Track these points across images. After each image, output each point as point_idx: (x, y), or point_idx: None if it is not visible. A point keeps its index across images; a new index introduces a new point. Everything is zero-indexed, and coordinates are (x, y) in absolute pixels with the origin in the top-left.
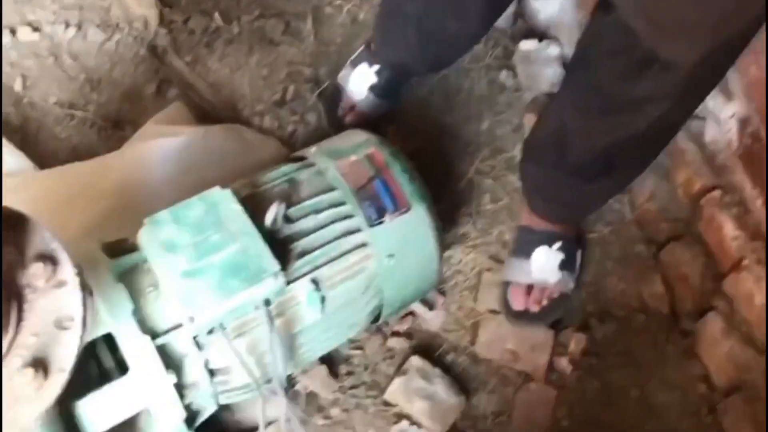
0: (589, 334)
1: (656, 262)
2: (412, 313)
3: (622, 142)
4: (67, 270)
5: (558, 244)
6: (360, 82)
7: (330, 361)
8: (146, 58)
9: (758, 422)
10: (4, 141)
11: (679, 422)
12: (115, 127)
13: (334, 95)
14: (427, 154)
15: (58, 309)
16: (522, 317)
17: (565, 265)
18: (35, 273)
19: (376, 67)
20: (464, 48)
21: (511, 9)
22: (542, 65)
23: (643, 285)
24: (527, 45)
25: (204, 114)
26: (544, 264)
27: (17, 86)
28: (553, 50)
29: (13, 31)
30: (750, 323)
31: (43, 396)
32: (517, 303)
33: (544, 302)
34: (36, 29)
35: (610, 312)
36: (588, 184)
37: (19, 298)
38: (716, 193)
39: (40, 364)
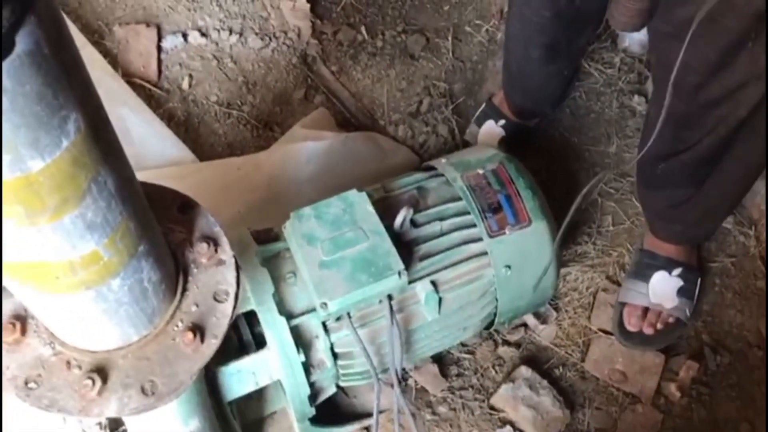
0: (702, 363)
1: None
2: (524, 325)
3: (726, 136)
4: (226, 251)
5: (678, 271)
6: (488, 140)
7: (441, 361)
8: (297, 65)
9: None
10: (171, 133)
11: None
12: (266, 126)
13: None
14: (553, 173)
15: (216, 284)
16: (634, 338)
17: (683, 292)
18: (200, 251)
19: (502, 121)
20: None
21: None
22: None
23: (763, 320)
24: None
25: (345, 120)
26: (663, 289)
27: (185, 84)
28: None
29: (185, 36)
30: None
31: (199, 357)
32: (632, 324)
33: (659, 326)
34: (204, 34)
35: (725, 344)
36: (703, 192)
37: (185, 272)
38: None
39: (198, 329)
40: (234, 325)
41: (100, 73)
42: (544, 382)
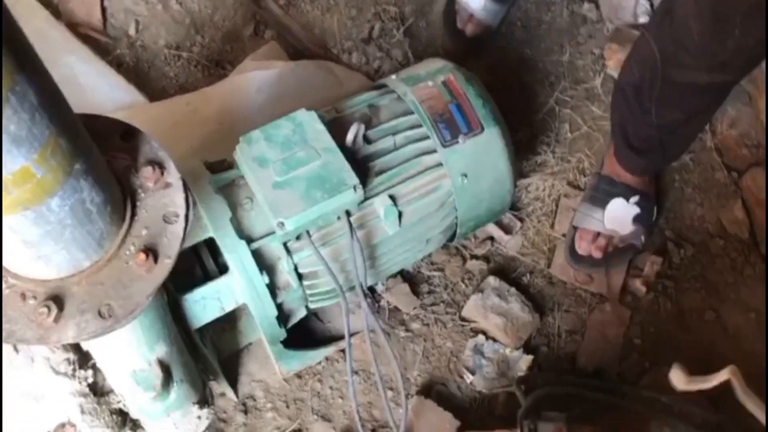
0: (666, 257)
1: (736, 188)
2: (491, 238)
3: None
4: (172, 173)
5: (636, 198)
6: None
7: (412, 280)
8: (244, 2)
9: None
10: (122, 79)
11: (754, 344)
12: (217, 65)
13: (449, 11)
14: (508, 86)
15: (165, 206)
16: (583, 262)
17: (639, 220)
18: (146, 175)
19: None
20: None
21: None
22: None
23: (723, 211)
24: None
25: (297, 53)
26: (619, 215)
27: (131, 30)
28: None
29: None
30: None
31: (153, 277)
32: (582, 248)
33: (609, 249)
34: None
35: (687, 237)
36: (674, 129)
37: (132, 197)
38: None
39: (151, 251)
40: (197, 256)
41: (43, 24)
42: (512, 290)
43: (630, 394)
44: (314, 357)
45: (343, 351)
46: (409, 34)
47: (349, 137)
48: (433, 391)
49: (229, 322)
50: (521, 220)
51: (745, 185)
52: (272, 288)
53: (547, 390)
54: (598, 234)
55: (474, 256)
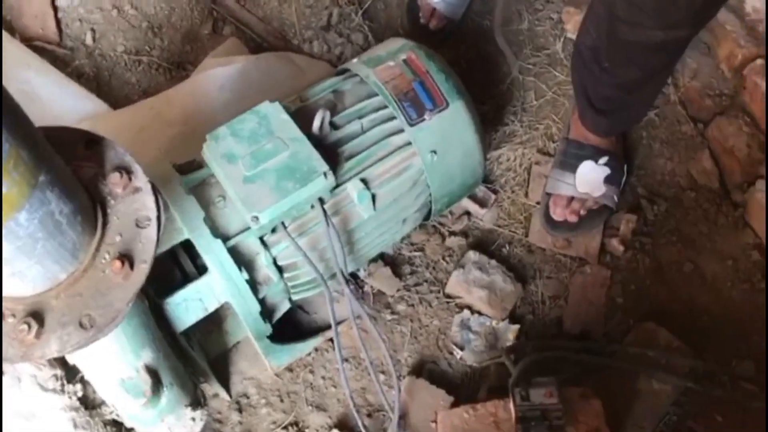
0: (640, 215)
1: (703, 139)
2: (467, 213)
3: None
4: (140, 178)
5: (605, 159)
6: None
7: (394, 263)
8: (200, 0)
9: None
10: (83, 89)
11: (732, 291)
12: (179, 67)
13: (411, 6)
14: (471, 60)
15: (136, 211)
16: (560, 227)
17: (610, 180)
18: (114, 182)
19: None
20: None
21: None
22: None
23: (692, 163)
24: None
25: (258, 46)
26: (590, 178)
27: (88, 40)
28: None
29: None
30: None
31: (131, 284)
32: (557, 214)
33: (583, 212)
34: None
35: (659, 192)
36: (634, 88)
37: (103, 205)
38: (759, 62)
39: (126, 258)
40: (175, 260)
41: None
42: (493, 262)
43: (617, 353)
44: (303, 349)
45: (331, 340)
46: (367, 17)
47: (315, 125)
48: (424, 370)
49: (215, 322)
50: (495, 192)
51: (711, 135)
52: (253, 284)
53: (535, 357)
54: (572, 198)
55: (452, 233)
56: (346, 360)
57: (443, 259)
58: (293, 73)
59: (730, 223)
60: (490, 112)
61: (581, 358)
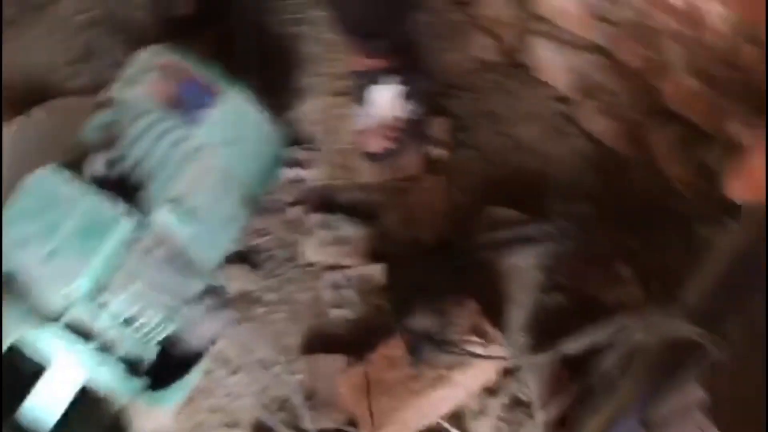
0: (449, 114)
1: (472, 19)
2: (296, 181)
3: None
4: None
5: (389, 78)
6: None
7: (247, 257)
8: None
9: (610, 114)
10: None
11: (549, 146)
12: None
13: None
14: (229, 34)
15: None
16: (383, 158)
17: (407, 95)
18: None
19: None
20: None
21: None
22: None
23: (471, 45)
24: None
25: (22, 104)
26: (383, 101)
27: None
28: None
29: None
30: (570, 31)
31: None
32: (373, 146)
33: (395, 134)
34: None
35: (456, 85)
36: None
37: None
38: None
39: None
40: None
41: None
42: (337, 216)
43: (474, 248)
44: (191, 379)
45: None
46: (118, 34)
47: (89, 171)
48: (315, 343)
49: (85, 402)
50: (314, 149)
51: (476, 13)
52: (105, 348)
53: (408, 289)
54: (378, 126)
55: (290, 204)
56: (239, 370)
57: (290, 232)
58: (71, 119)
59: (526, 85)
60: (276, 77)
61: (444, 268)
